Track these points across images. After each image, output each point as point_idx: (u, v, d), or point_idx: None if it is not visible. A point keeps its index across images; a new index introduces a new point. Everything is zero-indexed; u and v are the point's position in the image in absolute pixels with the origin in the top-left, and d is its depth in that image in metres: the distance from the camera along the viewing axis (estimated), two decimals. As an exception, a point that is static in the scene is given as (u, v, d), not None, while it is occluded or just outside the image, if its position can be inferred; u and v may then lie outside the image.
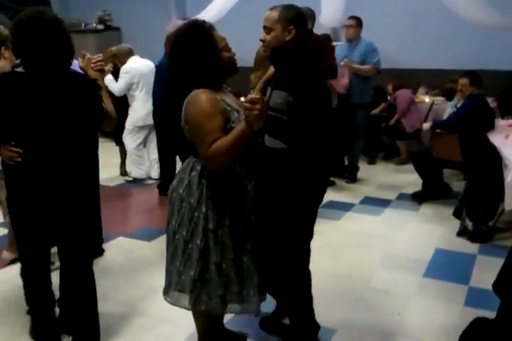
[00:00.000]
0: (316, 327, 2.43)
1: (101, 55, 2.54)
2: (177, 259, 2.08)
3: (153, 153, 5.41)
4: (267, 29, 2.07)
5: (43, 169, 2.16)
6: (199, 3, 7.67)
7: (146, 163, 5.52)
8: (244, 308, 2.12)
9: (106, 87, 2.94)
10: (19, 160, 2.14)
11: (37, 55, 2.04)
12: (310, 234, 2.27)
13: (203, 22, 2.00)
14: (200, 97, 1.92)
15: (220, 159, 1.90)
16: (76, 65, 2.42)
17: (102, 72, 2.48)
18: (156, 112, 4.83)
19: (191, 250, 2.04)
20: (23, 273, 2.46)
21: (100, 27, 8.95)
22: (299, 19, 2.10)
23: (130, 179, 5.51)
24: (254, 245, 2.11)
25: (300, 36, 2.09)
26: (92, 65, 2.38)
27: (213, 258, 2.04)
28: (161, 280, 3.15)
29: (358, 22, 5.53)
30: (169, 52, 2.04)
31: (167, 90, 4.63)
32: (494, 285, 2.05)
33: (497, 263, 2.27)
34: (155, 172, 5.46)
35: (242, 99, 1.94)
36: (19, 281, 2.52)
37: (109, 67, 5.00)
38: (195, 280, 2.05)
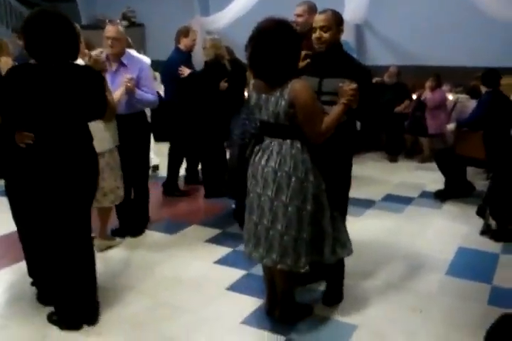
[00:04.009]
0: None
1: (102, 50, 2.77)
2: (292, 228, 2.36)
3: None
4: (326, 28, 2.53)
5: (49, 153, 2.39)
6: (222, 0, 7.70)
7: None
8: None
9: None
10: (31, 142, 2.37)
11: (44, 48, 2.26)
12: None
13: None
14: (305, 84, 2.29)
15: (328, 134, 2.34)
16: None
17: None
18: (168, 106, 4.78)
19: (304, 216, 2.36)
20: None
21: (124, 23, 9.04)
22: (342, 20, 2.63)
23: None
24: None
25: None
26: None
27: (320, 219, 2.40)
28: (183, 272, 3.21)
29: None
30: (268, 47, 2.25)
31: (177, 84, 4.67)
32: None
33: (521, 262, 2.25)
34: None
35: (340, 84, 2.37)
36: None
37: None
38: (307, 242, 2.38)
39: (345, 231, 2.59)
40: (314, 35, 2.56)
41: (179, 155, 5.05)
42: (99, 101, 2.49)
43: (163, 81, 5.04)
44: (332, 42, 2.56)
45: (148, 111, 4.70)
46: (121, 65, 3.52)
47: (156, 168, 5.63)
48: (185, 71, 4.61)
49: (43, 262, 2.73)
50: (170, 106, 4.76)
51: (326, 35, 2.54)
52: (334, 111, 2.35)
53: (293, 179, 2.33)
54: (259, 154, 2.43)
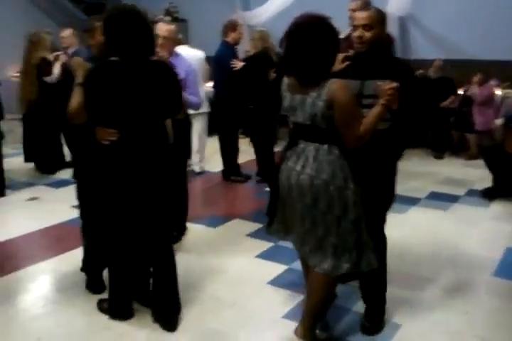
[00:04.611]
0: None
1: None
2: (331, 235, 2.25)
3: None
4: (368, 27, 2.36)
5: (134, 151, 2.38)
6: (263, -5, 7.70)
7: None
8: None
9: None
10: (115, 139, 2.34)
11: (128, 44, 2.27)
12: None
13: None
14: (345, 85, 2.15)
15: (367, 137, 2.19)
16: None
17: None
18: (219, 98, 4.98)
19: (344, 225, 2.24)
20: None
21: (167, 19, 9.15)
22: (385, 19, 2.47)
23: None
24: None
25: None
26: None
27: (362, 226, 2.28)
28: (227, 265, 3.25)
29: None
30: (305, 43, 2.12)
31: (228, 77, 4.83)
32: None
33: None
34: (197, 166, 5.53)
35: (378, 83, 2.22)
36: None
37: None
38: (351, 249, 2.26)
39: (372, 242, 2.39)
40: (355, 34, 2.39)
41: (232, 144, 5.23)
42: (178, 97, 2.50)
43: (215, 74, 5.17)
44: (375, 42, 2.38)
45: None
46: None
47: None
48: (239, 64, 4.75)
49: (104, 254, 2.74)
50: (220, 98, 5.00)
51: (368, 35, 2.36)
52: (372, 112, 2.21)
53: (331, 187, 2.19)
54: (293, 158, 2.28)
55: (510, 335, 2.56)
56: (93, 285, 2.96)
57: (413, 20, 7.30)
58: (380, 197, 2.48)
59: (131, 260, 2.62)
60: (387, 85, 2.18)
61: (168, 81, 2.42)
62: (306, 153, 2.24)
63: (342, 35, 3.54)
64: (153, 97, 2.36)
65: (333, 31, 2.15)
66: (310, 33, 2.10)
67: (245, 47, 5.65)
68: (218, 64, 5.02)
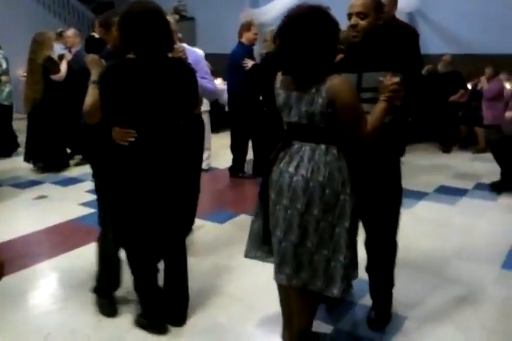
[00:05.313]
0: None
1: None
2: (324, 247, 2.05)
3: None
4: (363, 15, 2.22)
5: (153, 150, 2.33)
6: (272, -8, 7.69)
7: None
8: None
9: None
10: (133, 139, 2.28)
11: (146, 43, 2.23)
12: None
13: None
14: (346, 80, 1.99)
15: (374, 135, 2.03)
16: None
17: None
18: (232, 97, 5.01)
19: (339, 234, 2.05)
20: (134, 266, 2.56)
21: (176, 17, 9.17)
22: (382, 6, 2.30)
23: None
24: None
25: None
26: None
27: (356, 237, 2.11)
28: (235, 261, 3.26)
29: None
30: (300, 37, 1.94)
31: (241, 76, 4.82)
32: None
33: None
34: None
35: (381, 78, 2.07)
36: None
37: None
38: (346, 265, 2.06)
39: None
40: (349, 23, 2.25)
41: (243, 143, 5.29)
42: (194, 95, 2.47)
43: (228, 74, 5.19)
44: (370, 31, 2.23)
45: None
46: None
47: None
48: (249, 63, 4.76)
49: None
50: (232, 98, 5.08)
51: (362, 23, 2.21)
52: (376, 110, 2.05)
53: (327, 191, 2.00)
54: (286, 160, 2.08)
55: (519, 328, 2.55)
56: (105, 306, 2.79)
57: (422, 15, 7.26)
58: (388, 195, 2.36)
59: (149, 260, 2.56)
60: (389, 80, 2.03)
61: (186, 78, 2.39)
62: (300, 154, 2.05)
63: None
64: (172, 95, 2.32)
65: (330, 21, 1.95)
66: (305, 25, 1.91)
67: (259, 49, 5.63)
68: (230, 64, 5.03)
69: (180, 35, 4.33)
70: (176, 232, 2.59)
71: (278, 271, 2.16)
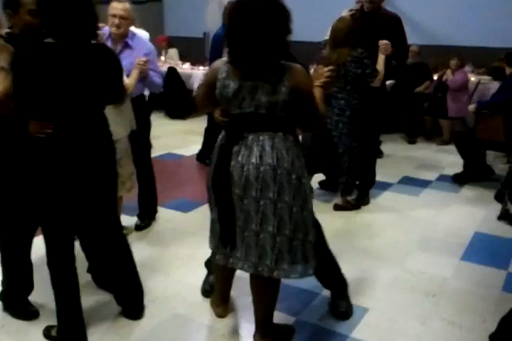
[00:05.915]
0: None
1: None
2: (300, 231, 2.09)
3: None
4: None
5: (70, 141, 2.16)
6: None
7: None
8: None
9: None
10: (50, 131, 2.11)
11: (64, 25, 2.04)
12: None
13: None
14: (303, 69, 2.04)
15: (324, 115, 2.21)
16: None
17: None
18: None
19: (307, 217, 2.12)
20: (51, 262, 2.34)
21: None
22: None
23: None
24: None
25: None
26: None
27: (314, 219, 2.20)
28: (199, 251, 3.21)
29: None
30: (249, 23, 1.89)
31: (219, 55, 4.74)
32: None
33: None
34: None
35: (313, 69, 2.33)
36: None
37: None
38: (314, 244, 2.15)
39: None
40: None
41: (216, 127, 5.16)
42: (118, 84, 2.34)
43: (210, 56, 5.10)
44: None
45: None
46: (126, 46, 3.26)
47: None
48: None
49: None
50: None
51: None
52: (317, 95, 2.12)
53: (293, 176, 2.03)
54: (244, 152, 2.03)
55: (477, 318, 2.60)
56: (22, 310, 2.58)
57: (390, 5, 7.24)
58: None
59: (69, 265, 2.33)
60: (325, 68, 2.22)
61: (109, 66, 2.22)
62: (260, 144, 2.01)
63: (350, 12, 3.83)
64: (93, 84, 2.14)
65: (279, 5, 1.89)
66: (252, 10, 1.86)
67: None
68: (212, 47, 4.91)
69: (137, 23, 4.05)
70: (106, 229, 2.44)
71: (258, 264, 2.10)
